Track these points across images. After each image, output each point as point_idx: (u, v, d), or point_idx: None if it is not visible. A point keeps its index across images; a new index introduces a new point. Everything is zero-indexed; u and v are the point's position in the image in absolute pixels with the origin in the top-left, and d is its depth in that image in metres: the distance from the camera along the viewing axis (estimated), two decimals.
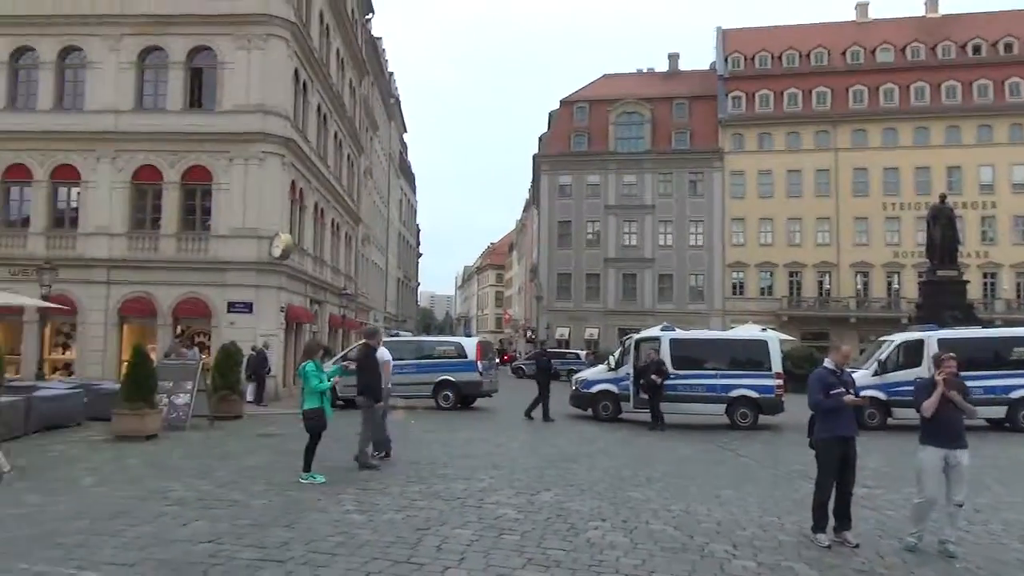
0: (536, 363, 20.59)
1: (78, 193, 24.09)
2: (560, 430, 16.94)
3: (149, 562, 5.97)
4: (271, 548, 6.41)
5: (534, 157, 61.27)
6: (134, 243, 23.68)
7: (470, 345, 22.43)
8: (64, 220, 24.30)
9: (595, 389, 19.51)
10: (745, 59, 56.31)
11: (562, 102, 59.35)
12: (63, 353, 24.22)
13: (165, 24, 23.89)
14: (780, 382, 18.17)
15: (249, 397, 19.75)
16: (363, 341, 12.46)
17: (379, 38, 51.54)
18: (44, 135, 23.78)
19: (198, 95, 24.44)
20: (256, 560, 6.06)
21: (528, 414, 18.72)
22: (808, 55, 55.26)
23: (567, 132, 57.34)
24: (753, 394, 17.95)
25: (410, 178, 73.41)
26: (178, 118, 23.82)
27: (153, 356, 16.14)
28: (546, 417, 18.47)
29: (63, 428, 14.37)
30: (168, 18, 23.85)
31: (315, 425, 9.80)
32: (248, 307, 23.02)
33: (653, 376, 17.53)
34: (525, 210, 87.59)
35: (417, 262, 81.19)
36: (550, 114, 61.25)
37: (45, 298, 19.00)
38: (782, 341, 20.20)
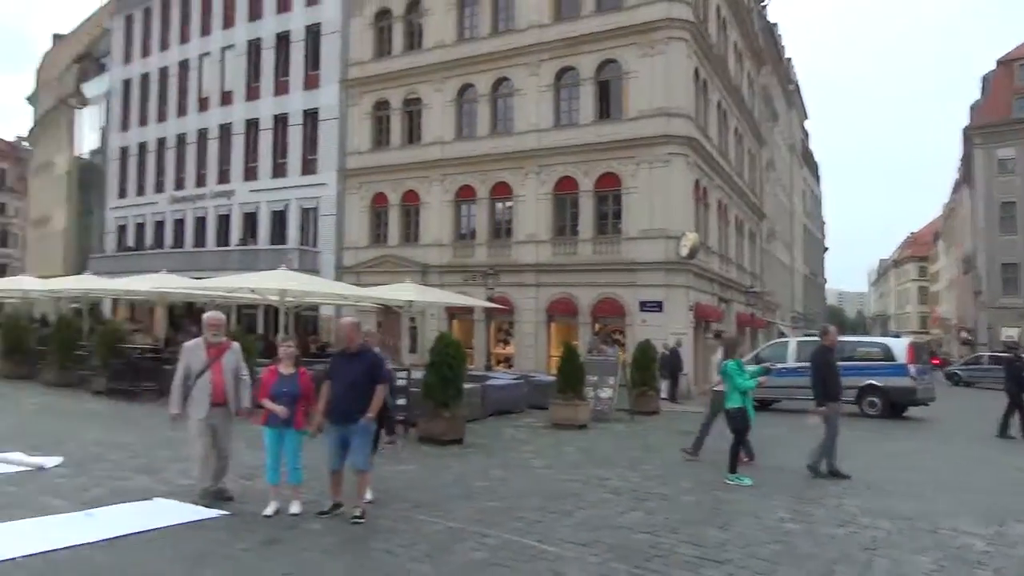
0: (1007, 371, 17.39)
1: (510, 207, 27.45)
2: (1020, 449, 14.26)
3: (599, 544, 6.43)
4: (708, 547, 6.45)
5: (964, 130, 53.08)
6: (557, 248, 26.15)
7: (899, 346, 20.04)
8: (500, 231, 27.88)
9: None
10: None
11: (999, 62, 50.37)
12: (504, 348, 27.79)
13: (576, 44, 25.93)
14: None
15: (663, 394, 20.33)
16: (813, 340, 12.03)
17: (775, 24, 49.42)
18: (484, 158, 27.60)
19: (606, 106, 26.04)
20: (695, 558, 6.13)
21: (1005, 433, 15.88)
22: None
23: (1007, 97, 48.38)
24: None
25: (813, 168, 69.14)
26: (590, 130, 25.66)
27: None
28: (1003, 432, 15.69)
29: (509, 414, 16.38)
30: (578, 39, 25.85)
31: (739, 425, 9.68)
32: (658, 306, 23.80)
33: None
34: (954, 192, 76.09)
35: (823, 257, 75.98)
36: (983, 78, 52.44)
37: (489, 299, 22.08)
38: None
